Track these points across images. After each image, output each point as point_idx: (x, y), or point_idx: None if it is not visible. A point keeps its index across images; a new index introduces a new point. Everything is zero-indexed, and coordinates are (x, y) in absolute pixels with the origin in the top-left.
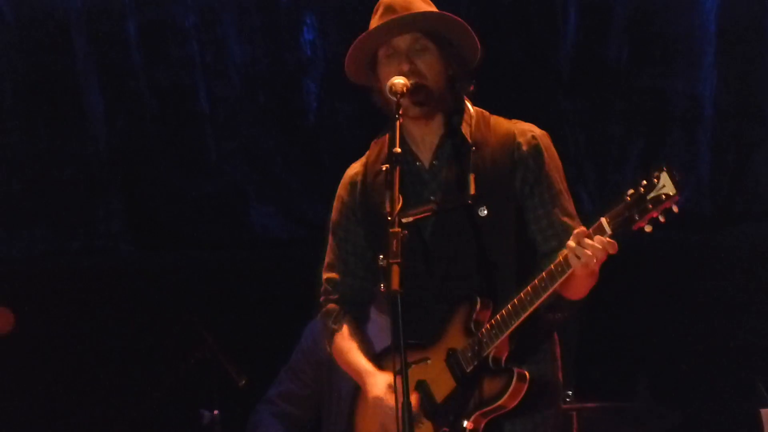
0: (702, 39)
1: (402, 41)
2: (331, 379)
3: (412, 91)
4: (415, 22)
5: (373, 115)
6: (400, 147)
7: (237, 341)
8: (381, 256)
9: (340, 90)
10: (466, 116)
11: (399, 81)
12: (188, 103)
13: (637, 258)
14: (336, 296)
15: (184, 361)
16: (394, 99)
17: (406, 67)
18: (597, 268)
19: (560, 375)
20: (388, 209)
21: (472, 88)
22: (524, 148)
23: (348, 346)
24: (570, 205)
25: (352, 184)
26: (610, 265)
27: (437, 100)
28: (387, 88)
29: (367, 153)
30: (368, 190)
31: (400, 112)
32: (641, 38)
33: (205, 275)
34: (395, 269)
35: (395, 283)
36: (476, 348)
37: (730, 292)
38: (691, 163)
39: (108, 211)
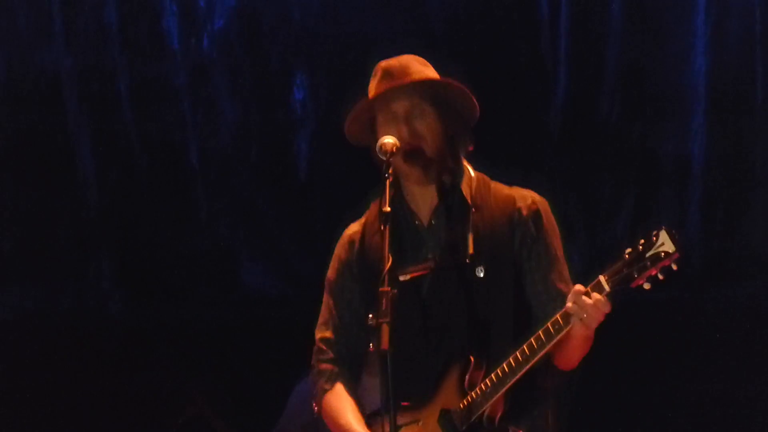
0: (692, 98)
1: (400, 107)
2: None
3: (406, 155)
4: (413, 88)
5: (364, 174)
6: (399, 206)
7: (227, 399)
8: (371, 315)
9: (331, 148)
10: (466, 178)
11: (389, 141)
12: (179, 160)
13: (626, 316)
14: (330, 356)
15: (174, 419)
16: (384, 158)
17: (404, 131)
18: (593, 330)
19: None
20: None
21: (471, 148)
22: (524, 212)
23: (340, 407)
24: (566, 272)
25: (351, 243)
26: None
27: (435, 162)
28: (377, 148)
29: (367, 213)
30: (366, 249)
31: (390, 171)
32: (631, 96)
33: (195, 333)
34: (385, 328)
35: (385, 342)
36: (470, 406)
37: (721, 350)
38: (681, 221)
39: (98, 269)
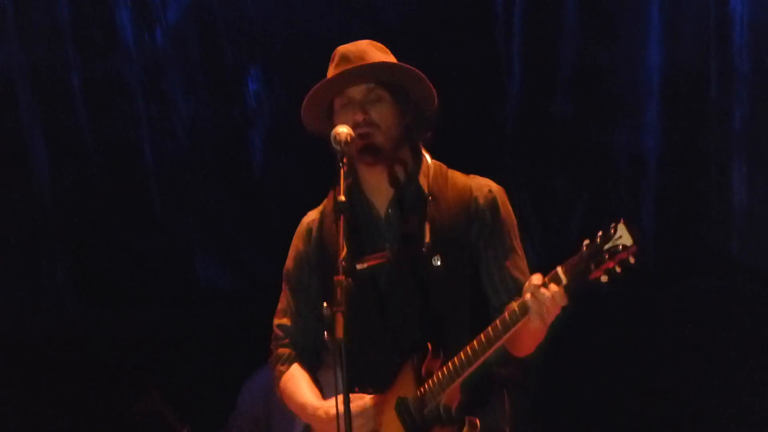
0: (646, 94)
1: (356, 91)
2: None
3: (359, 144)
4: (369, 72)
5: (319, 169)
6: (355, 195)
7: (182, 396)
8: (325, 304)
9: (286, 143)
10: (423, 167)
11: (343, 130)
12: (133, 157)
13: (581, 312)
14: (286, 341)
15: (129, 414)
16: (338, 148)
17: (360, 117)
18: (550, 322)
19: (508, 428)
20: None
21: (429, 137)
22: (480, 202)
23: (296, 386)
24: (522, 262)
25: (308, 231)
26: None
27: (390, 150)
28: (331, 138)
29: (325, 201)
30: (323, 238)
31: (344, 160)
32: (585, 93)
33: (150, 330)
34: (339, 317)
35: (339, 331)
36: (427, 396)
37: (675, 345)
38: (636, 216)
39: (52, 266)
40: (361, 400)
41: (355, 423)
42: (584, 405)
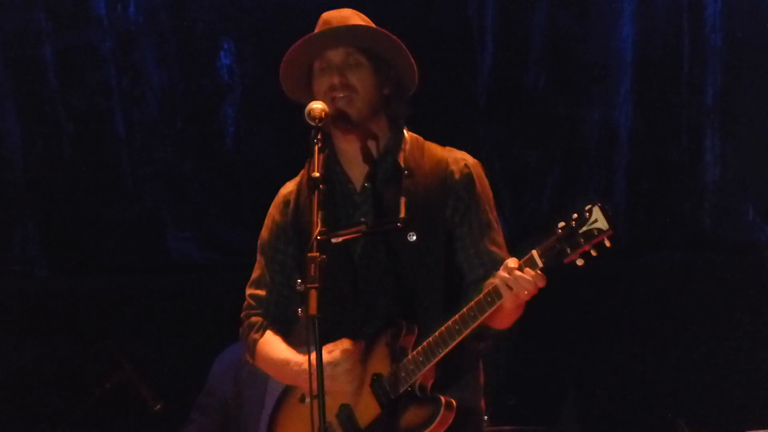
0: (618, 67)
1: (336, 55)
2: (239, 415)
3: (335, 118)
4: (349, 35)
5: (290, 141)
6: (332, 169)
7: (153, 366)
8: (299, 281)
9: (258, 115)
10: (401, 141)
11: (317, 106)
12: (105, 127)
13: (553, 285)
14: (260, 311)
15: (99, 386)
16: (312, 123)
17: (337, 80)
18: (526, 301)
19: (483, 402)
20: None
21: (408, 113)
22: (456, 176)
23: (272, 348)
24: (498, 235)
25: (285, 203)
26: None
27: (365, 117)
28: (306, 113)
29: (302, 172)
30: (300, 209)
31: (318, 137)
32: (558, 66)
33: (121, 300)
34: (313, 294)
35: (313, 307)
36: (402, 375)
37: (647, 318)
38: (607, 190)
39: (23, 236)
40: (344, 347)
41: (340, 369)
42: (557, 379)
